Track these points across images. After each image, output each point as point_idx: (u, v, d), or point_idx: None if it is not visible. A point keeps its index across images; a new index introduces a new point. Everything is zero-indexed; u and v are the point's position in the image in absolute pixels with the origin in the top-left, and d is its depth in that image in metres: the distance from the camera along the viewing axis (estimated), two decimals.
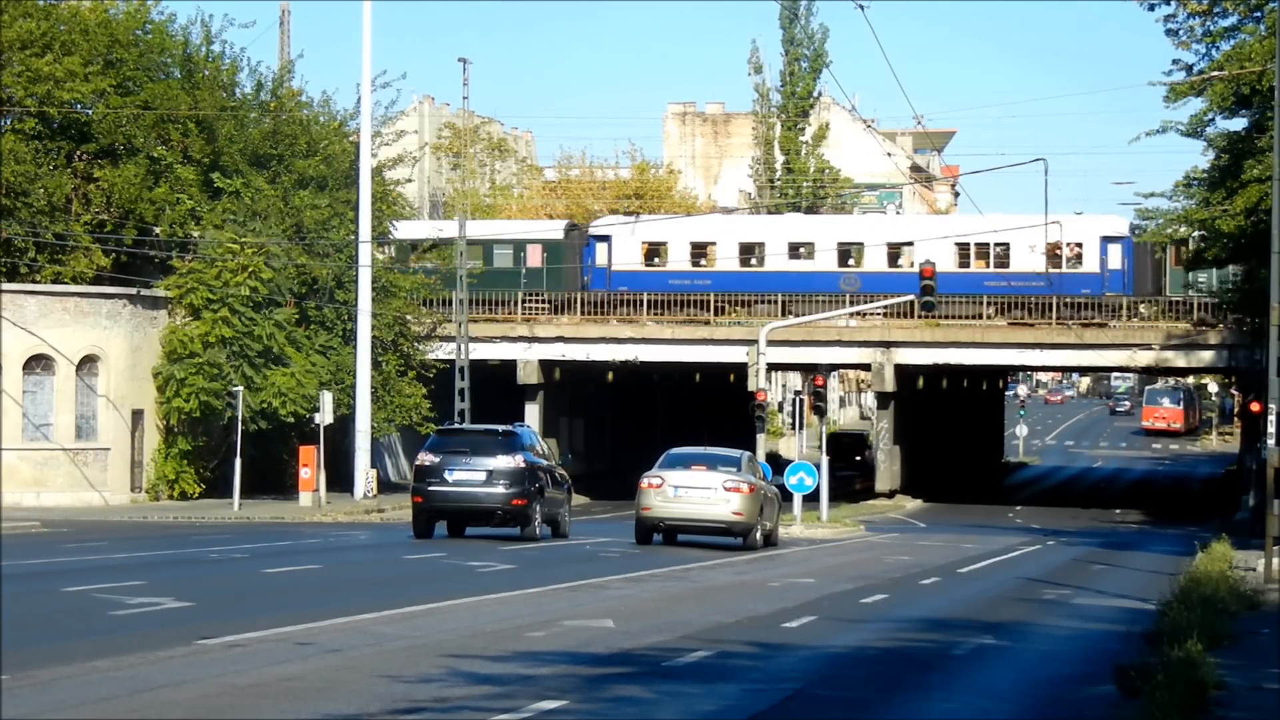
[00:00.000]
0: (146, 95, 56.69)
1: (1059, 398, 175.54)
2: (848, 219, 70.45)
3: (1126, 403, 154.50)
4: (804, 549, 43.29)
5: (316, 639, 19.28)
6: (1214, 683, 16.34)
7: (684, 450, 41.60)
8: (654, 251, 73.33)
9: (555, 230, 74.91)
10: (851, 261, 71.63)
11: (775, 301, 70.10)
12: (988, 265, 70.43)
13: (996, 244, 69.56)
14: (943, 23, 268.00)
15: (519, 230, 75.41)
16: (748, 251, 72.34)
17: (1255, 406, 48.44)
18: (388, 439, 67.76)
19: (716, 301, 71.09)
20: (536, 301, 72.21)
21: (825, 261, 71.47)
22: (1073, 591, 30.96)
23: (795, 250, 71.87)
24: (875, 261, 71.35)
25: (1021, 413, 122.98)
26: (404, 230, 65.15)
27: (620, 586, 28.16)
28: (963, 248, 70.57)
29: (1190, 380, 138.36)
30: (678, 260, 72.76)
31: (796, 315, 68.33)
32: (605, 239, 73.16)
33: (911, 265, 67.52)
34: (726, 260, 72.24)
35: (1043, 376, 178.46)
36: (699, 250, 73.17)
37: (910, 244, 71.14)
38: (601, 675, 17.27)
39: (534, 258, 72.77)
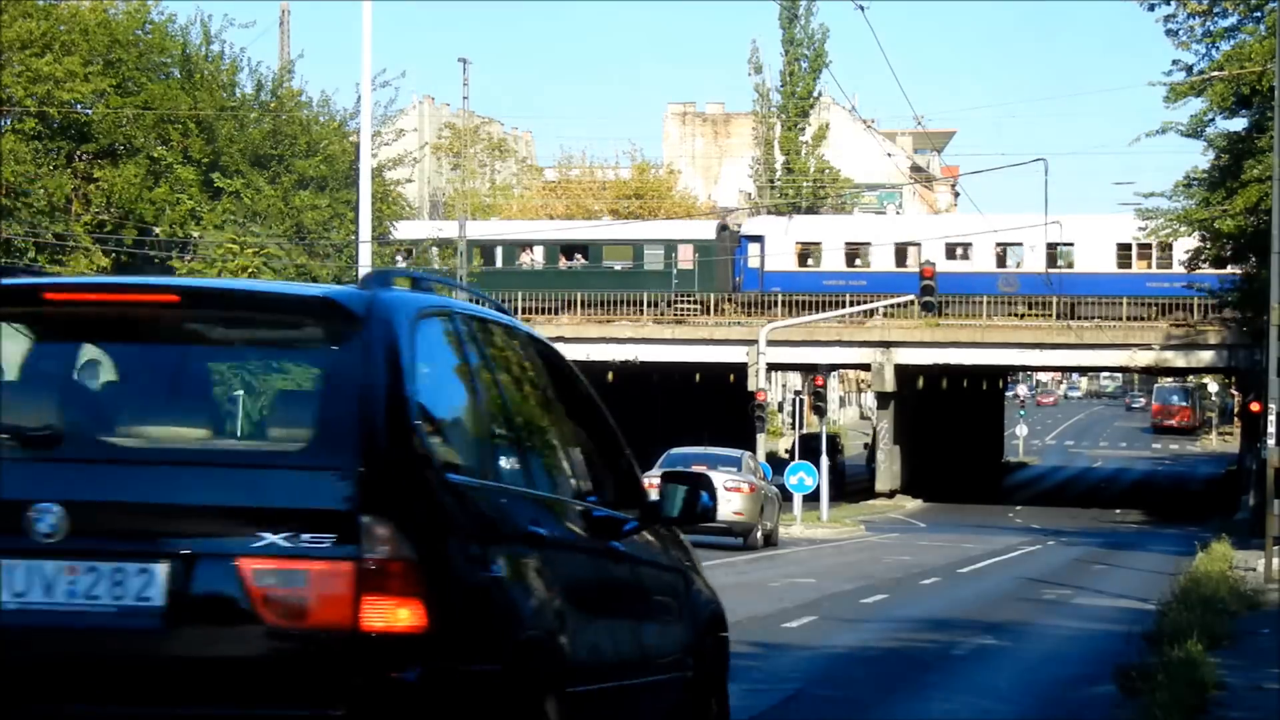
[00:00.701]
0: (146, 95, 56.69)
1: (1051, 399, 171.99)
2: (1005, 219, 68.56)
3: (1141, 399, 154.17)
4: (804, 549, 43.32)
5: None
6: (1214, 683, 16.34)
7: (684, 450, 41.63)
8: (806, 252, 72.08)
9: (707, 230, 73.54)
10: (1011, 262, 70.96)
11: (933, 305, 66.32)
12: (1149, 266, 69.49)
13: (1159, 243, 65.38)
14: (943, 23, 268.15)
15: (670, 231, 74.05)
16: (902, 252, 71.62)
17: (1255, 406, 48.42)
18: None
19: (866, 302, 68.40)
20: (687, 302, 71.06)
21: (982, 262, 70.91)
22: (1073, 591, 30.97)
23: (952, 251, 71.19)
24: (1034, 263, 70.70)
25: (1021, 413, 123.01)
26: (404, 230, 65.16)
27: None
28: (1124, 248, 69.54)
29: (1190, 380, 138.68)
30: (832, 260, 71.60)
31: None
32: (758, 239, 71.95)
33: (1070, 266, 67.48)
34: (881, 260, 71.28)
35: (1043, 376, 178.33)
36: (853, 250, 71.66)
37: (1070, 245, 70.69)
38: None
39: (685, 258, 71.67)
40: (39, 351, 7.57)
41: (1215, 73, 44.04)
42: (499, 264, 72.91)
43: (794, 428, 66.19)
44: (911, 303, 63.12)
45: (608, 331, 71.08)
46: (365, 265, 57.17)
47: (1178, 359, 71.16)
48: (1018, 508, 73.68)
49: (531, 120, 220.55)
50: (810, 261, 72.01)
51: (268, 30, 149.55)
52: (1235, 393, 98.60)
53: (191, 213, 56.83)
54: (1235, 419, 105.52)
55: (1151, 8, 44.98)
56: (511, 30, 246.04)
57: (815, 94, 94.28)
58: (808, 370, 73.58)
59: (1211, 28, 45.13)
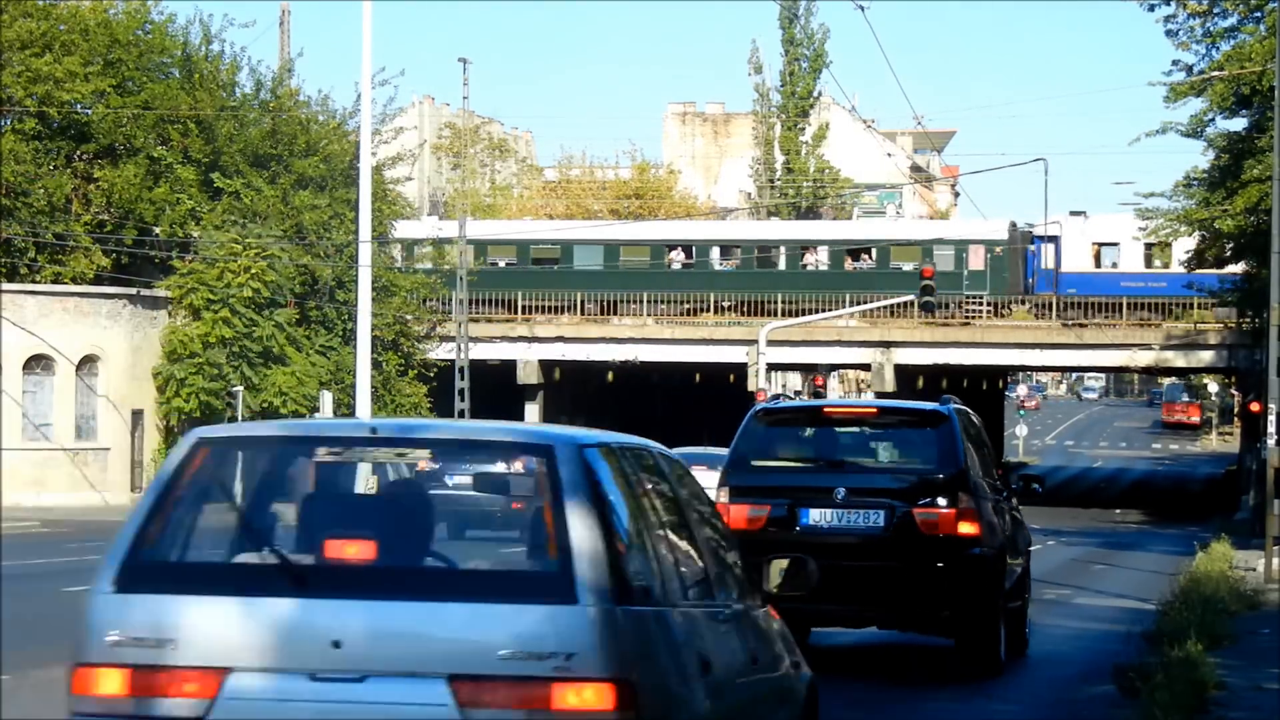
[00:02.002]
0: (146, 95, 56.68)
1: (1033, 402, 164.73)
2: None
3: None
4: None
5: None
6: (1214, 683, 16.34)
7: (684, 451, 41.63)
8: (1102, 252, 70.10)
9: (999, 230, 70.88)
10: None
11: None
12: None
13: None
14: (943, 23, 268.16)
15: (961, 231, 72.03)
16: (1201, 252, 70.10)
17: (1255, 406, 48.40)
18: None
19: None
20: (977, 304, 69.40)
21: None
22: (1073, 591, 30.95)
23: None
24: None
25: (1021, 413, 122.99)
26: (404, 230, 65.17)
27: None
28: None
29: (1190, 380, 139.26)
30: (1130, 260, 69.31)
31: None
32: (1053, 239, 70.02)
33: None
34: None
35: (1043, 377, 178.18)
36: (1150, 250, 68.99)
37: None
38: None
39: (976, 260, 69.84)
40: (820, 435, 18.58)
41: (1215, 73, 44.03)
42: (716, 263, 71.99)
43: None
44: (911, 303, 63.02)
45: (608, 331, 71.04)
46: (365, 265, 57.27)
47: (1178, 359, 71.12)
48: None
49: (531, 120, 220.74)
50: (1106, 262, 69.75)
51: (268, 30, 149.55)
52: (1235, 393, 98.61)
53: (191, 213, 56.81)
54: (1235, 419, 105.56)
55: (1151, 8, 44.98)
56: (511, 30, 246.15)
57: (815, 94, 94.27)
58: (808, 370, 73.62)
59: (1211, 28, 45.11)
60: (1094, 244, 70.49)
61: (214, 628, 7.44)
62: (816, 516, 17.09)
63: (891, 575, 16.70)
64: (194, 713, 7.37)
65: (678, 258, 72.57)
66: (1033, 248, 70.30)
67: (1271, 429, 32.62)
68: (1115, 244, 70.31)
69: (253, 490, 8.20)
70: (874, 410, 19.17)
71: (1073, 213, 74.33)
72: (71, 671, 7.60)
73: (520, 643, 7.24)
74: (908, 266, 68.35)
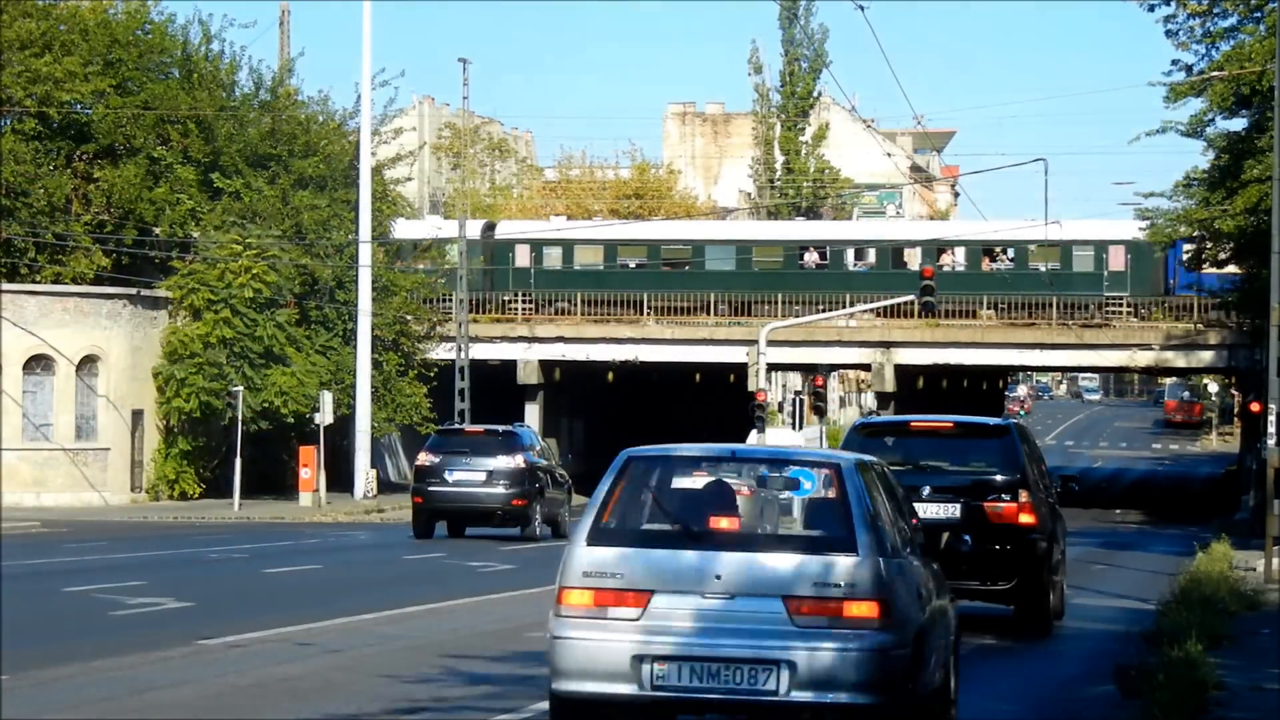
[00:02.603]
0: (146, 95, 56.67)
1: (1026, 404, 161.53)
2: None
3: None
4: None
5: (317, 639, 19.29)
6: (1214, 683, 16.34)
7: None
8: None
9: (1138, 230, 67.89)
10: None
11: None
12: None
13: None
14: (943, 23, 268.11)
15: (1099, 231, 70.40)
16: None
17: (1255, 406, 48.37)
18: (388, 439, 67.75)
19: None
20: (1117, 305, 68.56)
21: None
22: (1073, 591, 30.84)
23: None
24: None
25: (1021, 413, 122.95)
26: (404, 230, 65.15)
27: None
28: None
29: (1190, 380, 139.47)
30: None
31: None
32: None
33: None
34: None
35: (1042, 377, 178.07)
36: None
37: None
38: None
39: (1116, 260, 68.69)
40: (907, 444, 22.40)
41: (1215, 73, 44.00)
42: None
43: (794, 428, 66.16)
44: (911, 303, 62.91)
45: (608, 331, 71.01)
46: (365, 265, 57.33)
47: (1178, 359, 71.09)
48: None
49: (531, 120, 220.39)
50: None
51: (268, 30, 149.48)
52: (1235, 393, 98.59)
53: (191, 213, 56.79)
54: (1235, 419, 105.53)
55: (1151, 8, 44.92)
56: (511, 30, 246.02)
57: (815, 94, 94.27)
58: (808, 370, 73.58)
59: (1211, 28, 45.07)
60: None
61: (642, 567, 12.33)
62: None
63: (965, 556, 19.78)
64: (630, 617, 12.24)
65: (811, 259, 72.27)
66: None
67: (1271, 429, 32.60)
68: None
69: (664, 487, 12.96)
70: (950, 424, 23.47)
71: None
72: (558, 592, 12.49)
73: (824, 577, 12.22)
74: (1044, 267, 67.74)
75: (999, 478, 21.63)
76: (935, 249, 71.51)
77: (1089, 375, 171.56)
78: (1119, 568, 38.83)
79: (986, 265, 70.90)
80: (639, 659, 12.15)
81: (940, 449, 22.26)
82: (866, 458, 13.78)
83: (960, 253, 71.43)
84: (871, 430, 22.67)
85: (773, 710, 12.14)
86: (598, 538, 12.44)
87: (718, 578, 12.21)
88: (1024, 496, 21.52)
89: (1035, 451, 23.28)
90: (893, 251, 71.55)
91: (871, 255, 71.69)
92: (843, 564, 12.24)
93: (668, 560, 12.34)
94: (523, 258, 72.22)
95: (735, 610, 12.16)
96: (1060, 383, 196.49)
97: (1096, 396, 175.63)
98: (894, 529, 13.08)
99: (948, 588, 14.52)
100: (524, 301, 71.56)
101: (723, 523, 12.61)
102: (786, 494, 13.26)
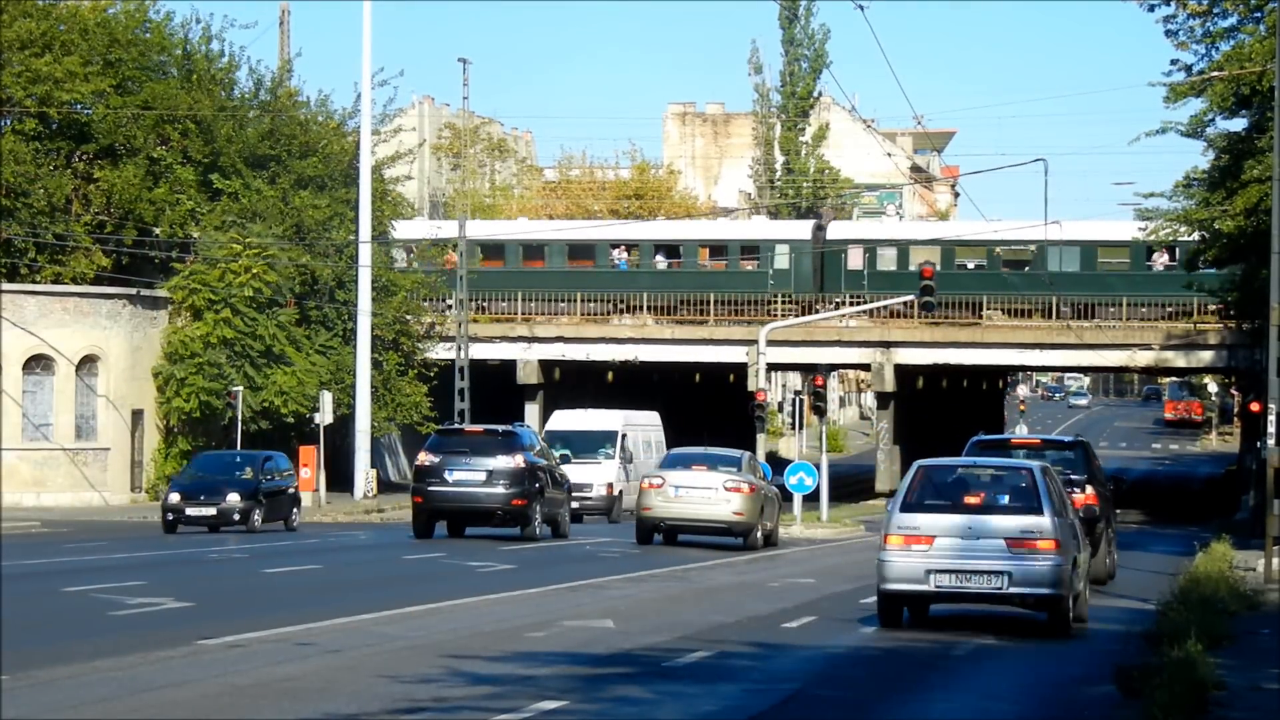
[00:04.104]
0: (145, 95, 56.67)
1: (1020, 404, 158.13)
2: None
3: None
4: (804, 549, 43.30)
5: (316, 639, 19.29)
6: (1214, 683, 16.34)
7: (685, 450, 41.63)
8: None
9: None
10: None
11: None
12: None
13: None
14: (943, 23, 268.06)
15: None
16: None
17: (1255, 406, 48.41)
18: (388, 439, 67.76)
19: None
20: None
21: None
22: None
23: None
24: None
25: (1021, 413, 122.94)
26: (404, 230, 65.14)
27: (620, 587, 28.16)
28: None
29: (1190, 380, 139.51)
30: None
31: None
32: None
33: None
34: None
35: (1042, 377, 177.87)
36: None
37: None
38: (601, 675, 17.28)
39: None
40: (1009, 453, 31.26)
41: (1215, 73, 43.98)
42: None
43: (794, 428, 66.08)
44: (912, 304, 62.86)
45: (608, 331, 71.01)
46: (365, 265, 57.32)
47: (1178, 359, 71.12)
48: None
49: (531, 120, 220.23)
50: None
51: (268, 30, 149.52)
52: (1235, 393, 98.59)
53: (191, 213, 56.79)
54: (1235, 419, 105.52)
55: (1151, 8, 44.86)
56: (511, 30, 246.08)
57: (815, 94, 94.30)
58: (808, 370, 73.51)
59: (1211, 28, 45.02)
60: None
61: (928, 522, 21.80)
62: None
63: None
64: (923, 550, 21.64)
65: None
66: None
67: (1271, 429, 32.62)
68: None
69: (935, 481, 22.62)
70: (1038, 440, 35.51)
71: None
72: (884, 537, 21.95)
73: (1026, 527, 21.68)
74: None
75: (1074, 476, 30.20)
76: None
77: (1074, 376, 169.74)
78: (1119, 568, 38.81)
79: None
80: (928, 572, 21.84)
81: (1031, 457, 28.33)
82: (1045, 465, 23.57)
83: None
84: (985, 444, 31.66)
85: (999, 598, 22.11)
86: (906, 508, 22.06)
87: (970, 529, 21.87)
88: (1090, 489, 31.03)
89: (1096, 460, 33.10)
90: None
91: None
92: (1036, 520, 21.85)
93: (943, 519, 21.94)
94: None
95: (979, 546, 21.78)
96: (1061, 381, 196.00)
97: (1084, 401, 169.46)
98: (1060, 504, 22.65)
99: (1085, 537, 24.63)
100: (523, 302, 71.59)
101: (971, 499, 22.35)
102: (1007, 483, 22.73)
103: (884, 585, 22.07)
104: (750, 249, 72.67)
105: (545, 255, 72.97)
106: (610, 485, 52.80)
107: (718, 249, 73.49)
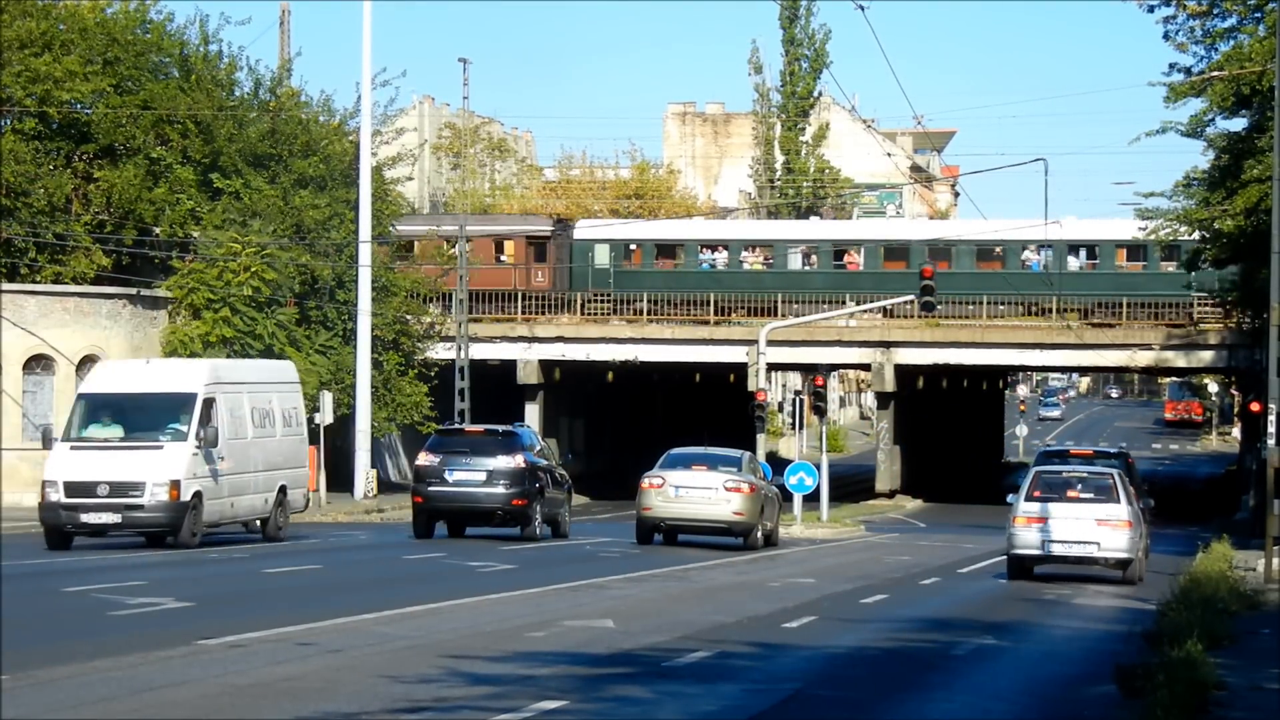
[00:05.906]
0: (145, 95, 56.64)
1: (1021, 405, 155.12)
2: None
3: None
4: (804, 549, 43.32)
5: (316, 639, 19.29)
6: (1214, 683, 16.35)
7: (685, 450, 41.62)
8: None
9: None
10: None
11: None
12: None
13: None
14: (943, 23, 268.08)
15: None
16: None
17: (1255, 406, 48.40)
18: (388, 439, 67.74)
19: None
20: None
21: None
22: (1073, 591, 30.99)
23: None
24: None
25: (1021, 413, 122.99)
26: (404, 229, 65.08)
27: (620, 586, 28.18)
28: None
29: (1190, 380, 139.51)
30: None
31: None
32: None
33: None
34: None
35: (1042, 376, 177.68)
36: None
37: None
38: (601, 675, 17.28)
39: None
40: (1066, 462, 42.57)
41: (1215, 73, 43.98)
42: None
43: (794, 428, 66.10)
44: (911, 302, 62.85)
45: (608, 331, 71.01)
46: (365, 265, 57.29)
47: (1178, 359, 71.13)
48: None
49: (531, 120, 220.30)
50: None
51: (268, 30, 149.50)
52: (1235, 393, 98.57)
53: (191, 213, 56.77)
54: (1235, 419, 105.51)
55: (1151, 9, 44.89)
56: (511, 30, 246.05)
57: (815, 94, 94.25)
58: (808, 370, 73.52)
59: (1210, 29, 45.03)
60: None
61: (1042, 507, 32.45)
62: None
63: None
64: (1040, 527, 32.32)
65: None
66: None
67: (1271, 429, 32.65)
68: None
69: (1047, 481, 33.51)
70: (1090, 451, 46.06)
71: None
72: (1012, 519, 32.61)
73: (1109, 512, 32.27)
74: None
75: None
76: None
77: (1057, 376, 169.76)
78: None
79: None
80: (1044, 542, 31.80)
81: (1087, 464, 37.33)
82: (1120, 471, 34.04)
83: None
84: (1050, 454, 43.70)
85: (1091, 560, 32.18)
86: (1028, 498, 32.14)
87: (1071, 513, 31.77)
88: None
89: (1135, 471, 42.98)
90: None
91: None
92: (1115, 508, 31.91)
93: (1053, 506, 31.92)
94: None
95: (1078, 525, 31.75)
96: (1068, 381, 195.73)
97: (1056, 413, 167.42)
98: (1134, 495, 32.10)
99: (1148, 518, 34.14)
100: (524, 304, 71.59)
101: (1072, 493, 32.21)
102: (1094, 483, 32.72)
103: (1013, 550, 32.53)
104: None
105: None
106: (176, 485, 34.17)
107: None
